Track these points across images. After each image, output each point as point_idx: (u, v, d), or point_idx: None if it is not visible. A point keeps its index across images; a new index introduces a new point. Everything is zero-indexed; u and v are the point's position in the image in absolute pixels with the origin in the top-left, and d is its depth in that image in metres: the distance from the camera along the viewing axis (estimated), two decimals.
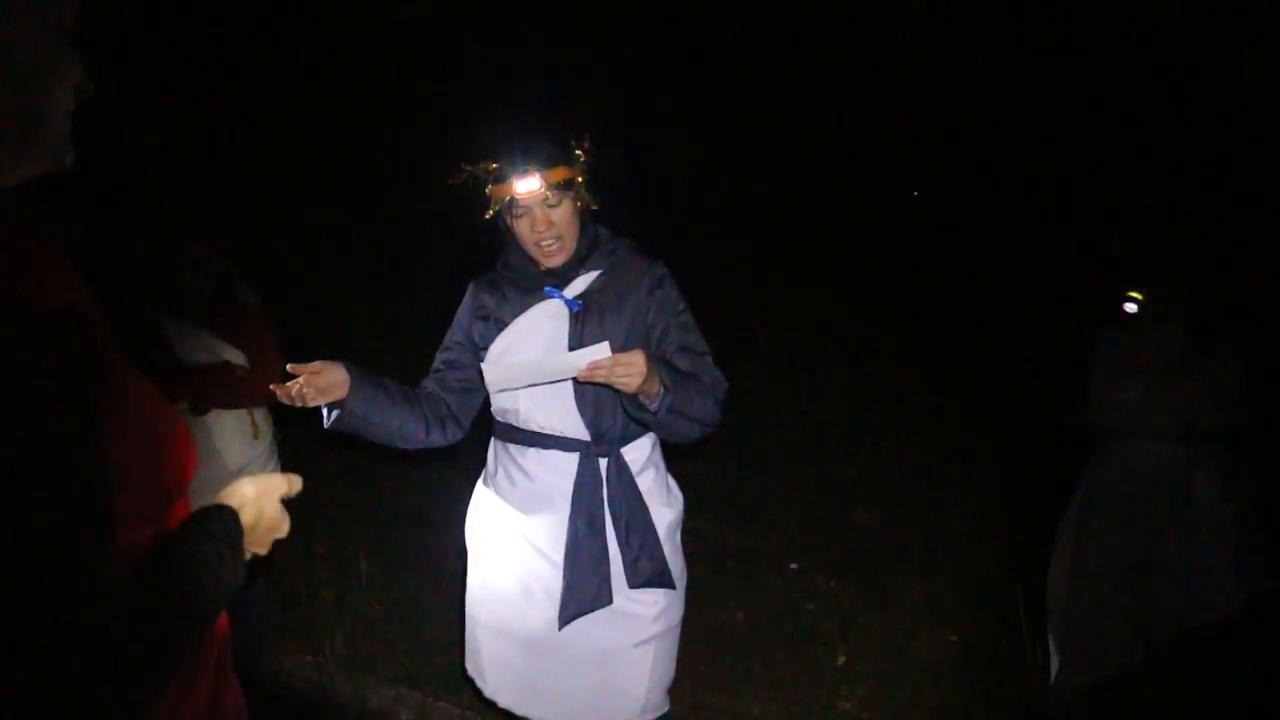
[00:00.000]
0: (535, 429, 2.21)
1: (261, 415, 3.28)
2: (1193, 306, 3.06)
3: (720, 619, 3.91)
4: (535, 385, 2.13)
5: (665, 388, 1.99)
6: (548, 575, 2.20)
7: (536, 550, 2.21)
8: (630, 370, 1.90)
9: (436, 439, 2.28)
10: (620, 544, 2.18)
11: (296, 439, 3.64)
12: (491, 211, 2.14)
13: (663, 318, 2.20)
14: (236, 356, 3.17)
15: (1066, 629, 3.19)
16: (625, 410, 2.10)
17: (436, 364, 2.35)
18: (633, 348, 2.11)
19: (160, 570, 0.97)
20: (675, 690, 3.37)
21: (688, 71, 8.59)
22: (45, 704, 0.83)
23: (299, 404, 1.98)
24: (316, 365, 2.00)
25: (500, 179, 2.08)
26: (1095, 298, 3.26)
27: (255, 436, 3.19)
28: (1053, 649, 3.25)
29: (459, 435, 2.33)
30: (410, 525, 4.47)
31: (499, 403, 2.25)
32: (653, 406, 1.99)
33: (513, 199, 2.08)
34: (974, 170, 9.24)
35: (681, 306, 2.24)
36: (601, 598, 2.16)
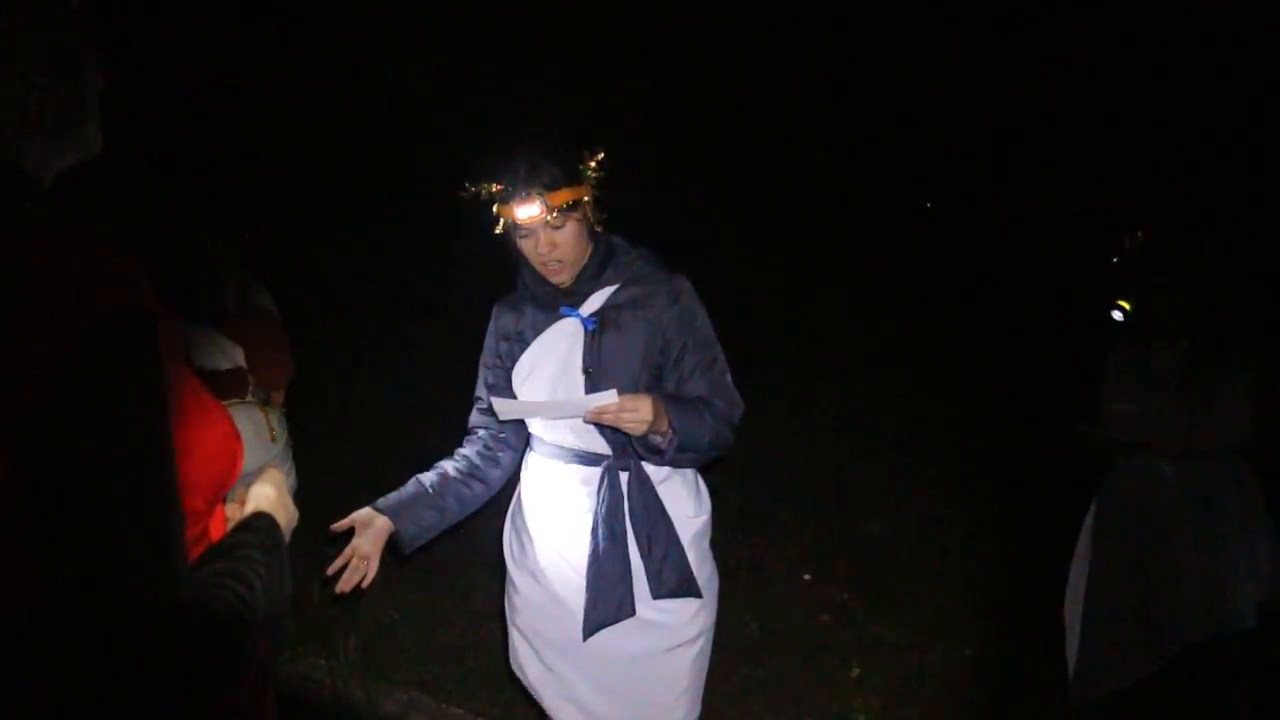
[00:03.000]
0: (558, 444, 2.21)
1: (277, 418, 3.30)
2: (1197, 319, 3.05)
3: (733, 630, 3.90)
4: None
5: (674, 429, 2.00)
6: (574, 585, 2.20)
7: (564, 560, 2.22)
8: (637, 416, 1.92)
9: (498, 476, 2.32)
10: (643, 556, 2.17)
11: (310, 442, 3.65)
12: (499, 229, 2.13)
13: (681, 335, 2.17)
14: (251, 360, 3.19)
15: (1082, 642, 3.18)
16: (634, 449, 2.10)
17: (478, 392, 2.37)
18: (650, 365, 2.14)
19: (220, 579, 0.98)
20: None
21: (699, 78, 8.59)
22: (118, 705, 0.84)
23: (366, 583, 2.09)
24: (354, 545, 2.09)
25: (503, 200, 2.07)
26: (1106, 310, 3.26)
27: (271, 439, 3.21)
28: (1069, 662, 3.23)
29: (518, 454, 2.35)
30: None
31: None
32: (662, 446, 2.01)
33: (516, 223, 2.07)
34: (988, 180, 9.22)
35: (700, 321, 2.21)
36: (624, 610, 2.16)
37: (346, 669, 3.50)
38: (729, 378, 2.21)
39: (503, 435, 2.34)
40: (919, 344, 7.24)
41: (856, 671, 3.56)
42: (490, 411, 2.31)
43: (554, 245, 2.08)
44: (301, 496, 3.31)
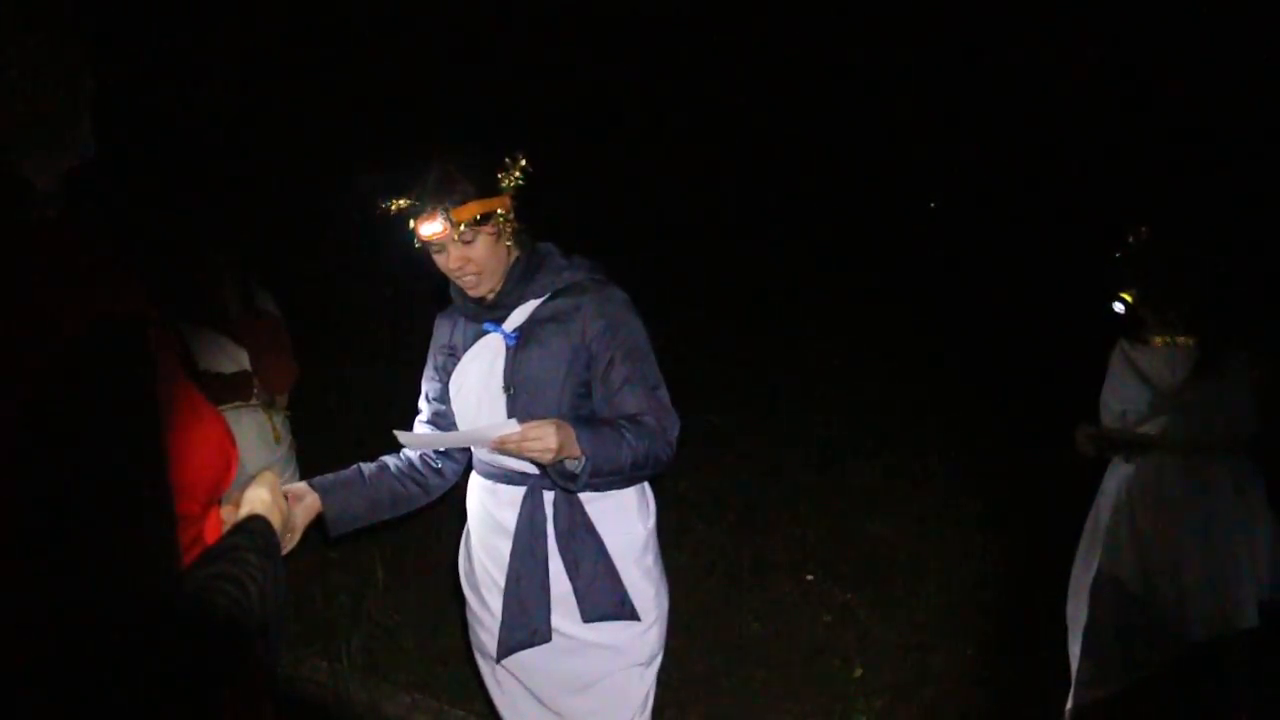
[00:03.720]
0: (488, 462, 2.16)
1: (281, 421, 3.30)
2: (1199, 314, 3.04)
3: (736, 631, 3.90)
4: (477, 423, 2.11)
5: (586, 455, 1.90)
6: (492, 607, 2.17)
7: (492, 578, 2.18)
8: (541, 444, 1.83)
9: (438, 484, 2.25)
10: (570, 578, 2.10)
11: (314, 444, 3.66)
12: (417, 243, 2.05)
13: (607, 348, 2.06)
14: (255, 363, 3.20)
15: (1085, 642, 3.17)
16: (549, 477, 2.02)
17: (420, 404, 2.33)
18: (575, 381, 2.07)
19: (214, 582, 0.98)
20: (690, 702, 3.39)
21: (700, 75, 8.58)
22: (111, 707, 0.84)
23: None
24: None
25: (413, 215, 2.00)
26: (1105, 308, 3.25)
27: (275, 441, 3.22)
28: (1072, 662, 3.23)
29: (460, 466, 2.30)
30: (427, 533, 4.48)
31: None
32: (575, 471, 1.92)
33: (423, 240, 2.01)
34: (989, 181, 9.22)
35: (628, 332, 2.10)
36: (539, 635, 2.09)
37: (349, 671, 3.51)
38: (663, 392, 2.11)
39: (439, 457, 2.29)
40: (922, 343, 7.24)
41: (859, 672, 3.56)
42: (429, 422, 2.28)
43: (466, 260, 2.00)
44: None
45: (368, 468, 2.19)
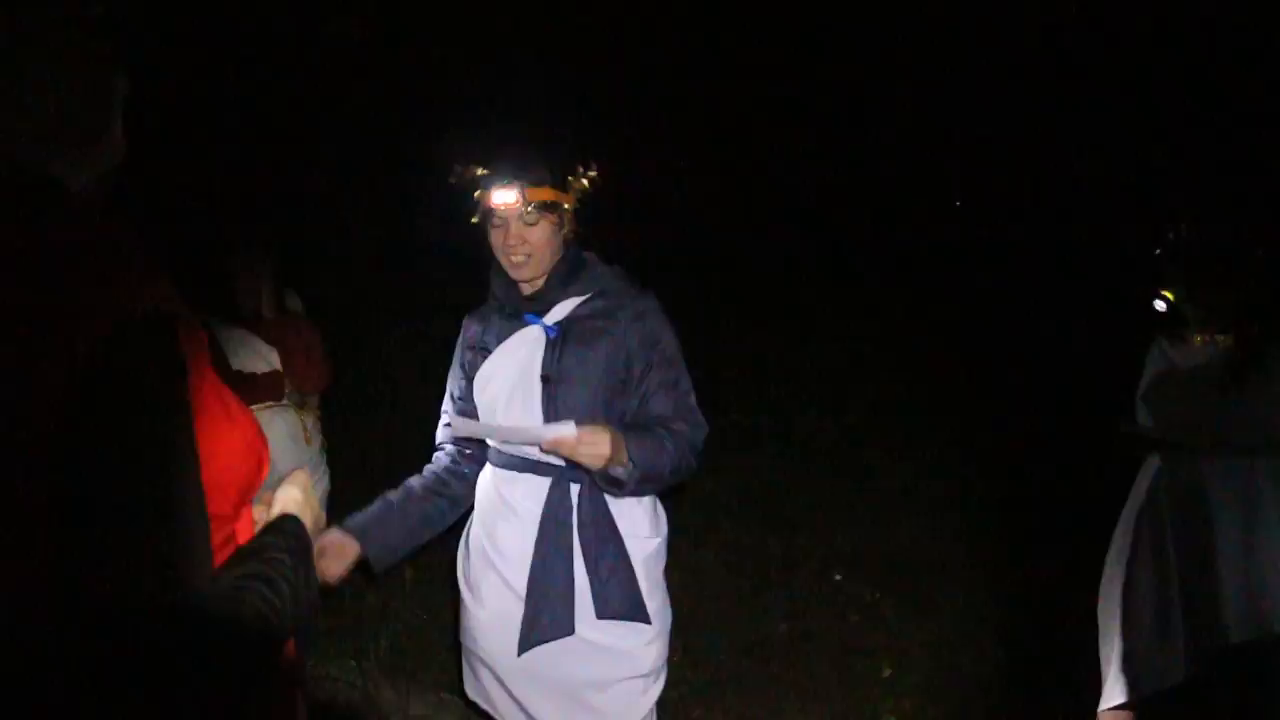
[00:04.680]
0: (515, 454, 2.17)
1: (312, 421, 3.33)
2: (1240, 316, 3.00)
3: (763, 630, 3.89)
4: (509, 413, 2.14)
5: (633, 461, 1.96)
6: (515, 602, 2.14)
7: (507, 575, 2.17)
8: (594, 450, 1.89)
9: (464, 493, 2.30)
10: (589, 572, 2.11)
11: (345, 445, 3.69)
12: (475, 218, 2.13)
13: (644, 352, 2.13)
14: (286, 363, 3.23)
15: (1119, 644, 3.13)
16: (595, 481, 2.06)
17: (445, 406, 2.35)
18: (612, 380, 2.11)
19: (247, 582, 0.98)
20: (717, 701, 3.38)
21: (711, 76, 8.56)
22: (144, 708, 0.85)
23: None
24: (321, 570, 1.99)
25: (485, 185, 2.08)
26: (1144, 306, 3.21)
27: (306, 442, 3.24)
28: (1104, 664, 3.19)
29: (480, 468, 2.32)
30: (455, 531, 4.49)
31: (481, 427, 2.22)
32: (622, 479, 1.97)
33: (491, 208, 2.07)
34: (1016, 178, 9.13)
35: (665, 340, 2.16)
36: (563, 627, 2.10)
37: (377, 670, 3.53)
38: (693, 399, 2.17)
39: (469, 450, 2.31)
40: (954, 342, 7.18)
41: (888, 672, 3.54)
42: (453, 442, 2.31)
43: (523, 240, 2.07)
44: (335, 499, 3.34)
45: (395, 496, 2.22)
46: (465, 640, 2.31)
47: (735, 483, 5.11)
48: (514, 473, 2.18)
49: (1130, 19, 8.02)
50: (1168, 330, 3.13)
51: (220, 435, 1.00)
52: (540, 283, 2.16)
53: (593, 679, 2.14)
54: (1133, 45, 8.08)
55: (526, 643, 2.11)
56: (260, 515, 1.19)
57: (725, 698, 3.42)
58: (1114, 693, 3.14)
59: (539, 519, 2.12)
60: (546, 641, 2.10)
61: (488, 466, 2.27)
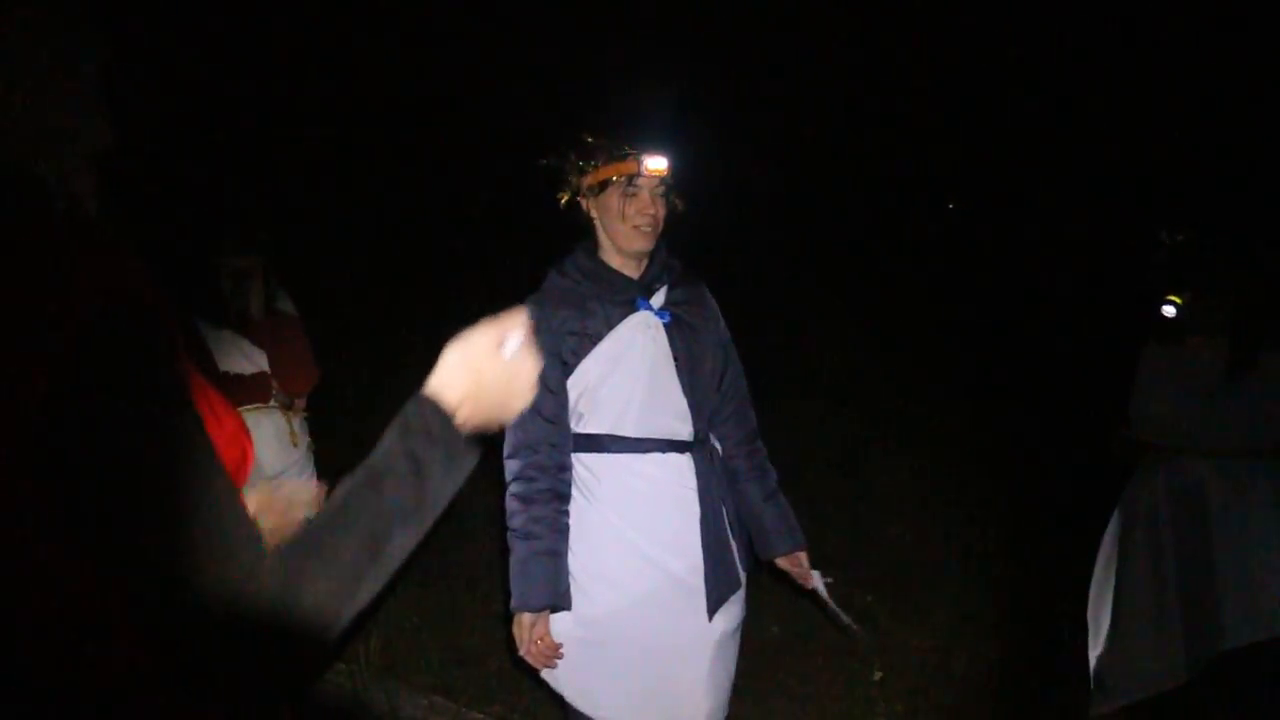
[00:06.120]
0: (649, 436, 2.18)
1: (299, 423, 3.31)
2: (1237, 318, 3.00)
3: (755, 633, 3.87)
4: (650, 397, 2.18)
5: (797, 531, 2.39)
6: (673, 576, 2.18)
7: (662, 555, 2.17)
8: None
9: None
10: (731, 529, 2.26)
11: (332, 448, 3.67)
12: (587, 189, 2.14)
13: (725, 343, 2.32)
14: (273, 365, 3.21)
15: (1112, 648, 3.13)
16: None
17: (540, 404, 2.10)
18: (715, 365, 2.27)
19: (311, 563, 0.92)
20: None
21: (723, 78, 8.57)
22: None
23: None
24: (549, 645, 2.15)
25: (621, 155, 2.09)
26: (1137, 311, 3.21)
27: (293, 444, 3.22)
28: (1093, 667, 3.18)
29: None
30: (447, 534, 4.48)
31: (606, 415, 2.16)
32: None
33: (633, 176, 2.09)
34: (1010, 181, 9.15)
35: (730, 337, 2.35)
36: (736, 582, 2.26)
37: (367, 672, 3.51)
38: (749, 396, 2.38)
39: (566, 440, 2.19)
40: (946, 345, 7.20)
41: (879, 675, 3.53)
42: (547, 418, 2.13)
43: (653, 212, 2.13)
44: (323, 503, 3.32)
45: (561, 545, 2.21)
46: (589, 635, 2.19)
47: None
48: (657, 454, 2.20)
49: (1138, 23, 8.04)
50: (1161, 335, 3.12)
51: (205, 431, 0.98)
52: (639, 269, 2.21)
53: (729, 628, 2.27)
54: (1141, 50, 8.10)
55: (714, 605, 2.19)
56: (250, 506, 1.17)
57: None
58: (1107, 697, 3.13)
59: (696, 489, 2.20)
60: (726, 599, 2.22)
61: (610, 458, 2.18)
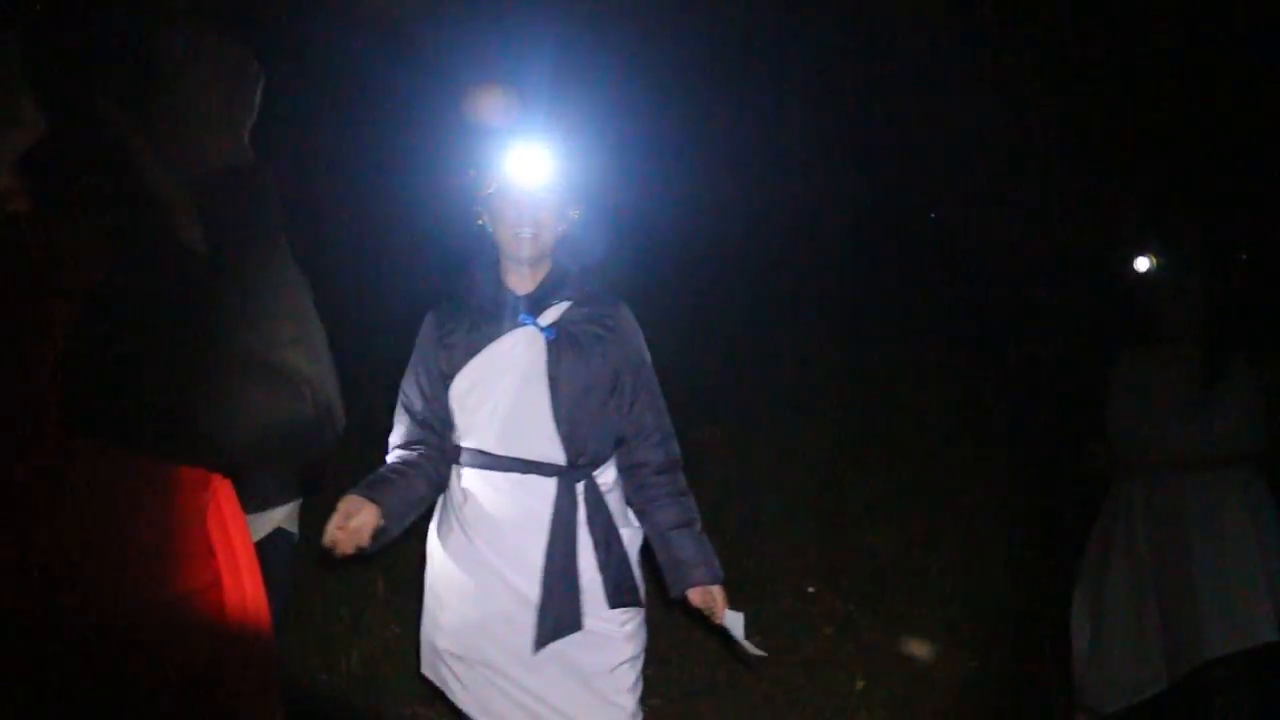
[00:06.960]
0: (512, 455, 2.16)
1: None
2: (1208, 328, 3.02)
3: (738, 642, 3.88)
4: (513, 414, 2.14)
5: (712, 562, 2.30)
6: (521, 601, 2.15)
7: (509, 576, 2.16)
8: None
9: (442, 471, 2.29)
10: (600, 566, 2.17)
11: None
12: (482, 200, 2.14)
13: (630, 369, 2.22)
14: None
15: (1090, 658, 3.15)
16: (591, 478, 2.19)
17: (401, 406, 2.27)
18: (607, 390, 2.19)
19: None
20: (691, 714, 3.37)
21: (705, 91, 8.57)
22: None
23: (340, 553, 2.05)
24: (344, 521, 2.04)
25: (500, 164, 2.10)
26: (1115, 320, 3.24)
27: None
28: (1076, 678, 3.20)
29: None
30: (424, 544, 4.45)
31: (473, 428, 2.18)
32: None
33: (512, 184, 2.09)
34: (992, 192, 9.20)
35: (644, 350, 2.27)
36: (573, 623, 2.14)
37: (349, 683, 3.49)
38: (668, 418, 2.29)
39: (437, 445, 2.25)
40: (924, 356, 7.22)
41: (861, 684, 3.54)
42: (426, 424, 2.24)
43: (534, 215, 2.11)
44: (324, 500, 3.31)
45: (385, 471, 2.20)
46: (451, 646, 2.27)
47: (707, 494, 5.08)
48: (515, 474, 2.16)
49: (1103, 33, 8.09)
50: (1131, 345, 3.15)
51: None
52: (533, 284, 2.19)
53: (602, 665, 2.18)
54: (1108, 61, 8.16)
55: (544, 639, 2.13)
56: None
57: (699, 710, 3.41)
58: (1088, 706, 3.15)
59: (549, 518, 2.14)
60: (561, 637, 2.13)
61: (472, 471, 2.21)
